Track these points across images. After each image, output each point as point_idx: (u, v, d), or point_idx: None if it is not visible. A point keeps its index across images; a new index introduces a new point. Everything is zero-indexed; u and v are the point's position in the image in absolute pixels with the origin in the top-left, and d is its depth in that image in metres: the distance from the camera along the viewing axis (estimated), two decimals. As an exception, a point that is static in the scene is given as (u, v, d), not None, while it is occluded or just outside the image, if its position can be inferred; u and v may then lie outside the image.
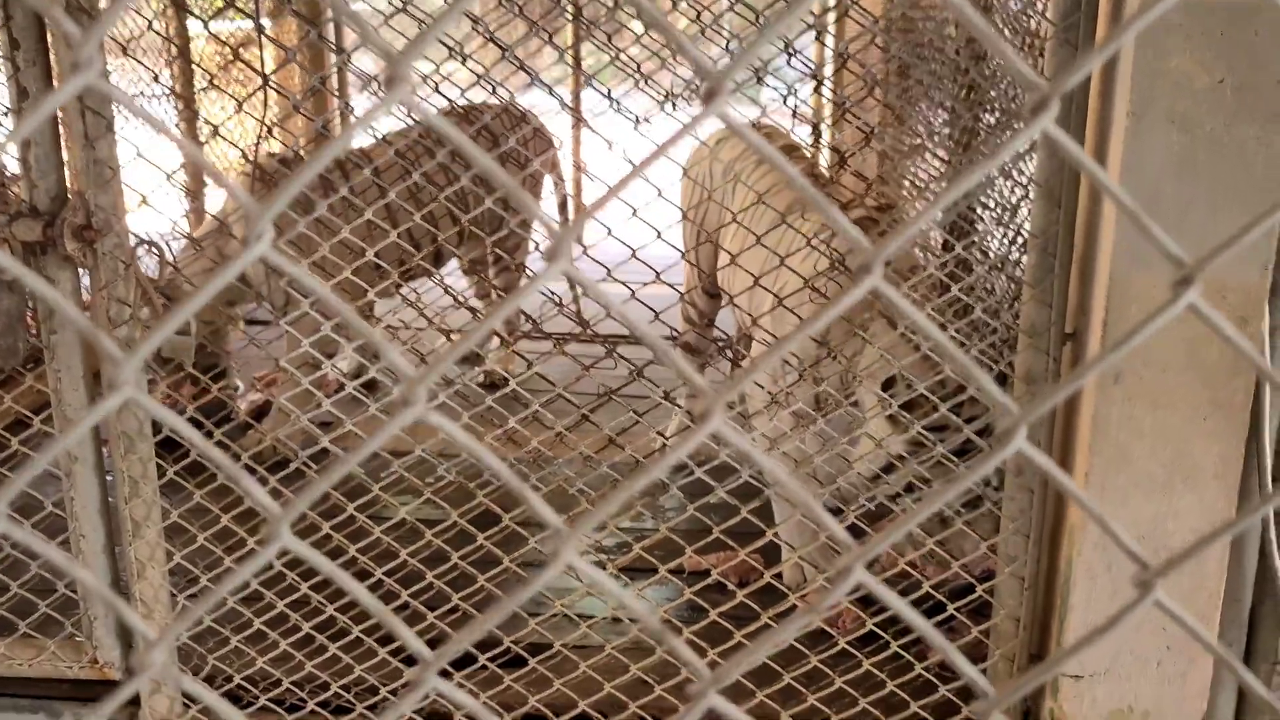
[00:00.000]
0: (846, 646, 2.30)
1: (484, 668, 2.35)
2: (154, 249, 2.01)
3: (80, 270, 2.18)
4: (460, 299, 2.19)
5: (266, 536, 0.64)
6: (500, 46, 2.11)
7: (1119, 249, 1.99)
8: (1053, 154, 2.02)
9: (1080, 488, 2.12)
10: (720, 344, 3.51)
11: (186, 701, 2.41)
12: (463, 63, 2.13)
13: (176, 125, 4.35)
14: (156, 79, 2.98)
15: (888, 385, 2.36)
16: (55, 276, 2.15)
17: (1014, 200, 2.23)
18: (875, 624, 2.29)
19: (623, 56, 2.14)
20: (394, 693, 2.39)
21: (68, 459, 2.26)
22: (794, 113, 2.16)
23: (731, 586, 2.38)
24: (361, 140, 3.86)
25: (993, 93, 2.56)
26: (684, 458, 3.01)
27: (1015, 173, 2.24)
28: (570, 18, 5.06)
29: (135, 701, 2.41)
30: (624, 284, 2.04)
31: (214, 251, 3.14)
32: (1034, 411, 0.60)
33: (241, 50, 3.84)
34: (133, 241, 2.12)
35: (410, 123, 3.06)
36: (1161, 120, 1.92)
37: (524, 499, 0.63)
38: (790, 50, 2.00)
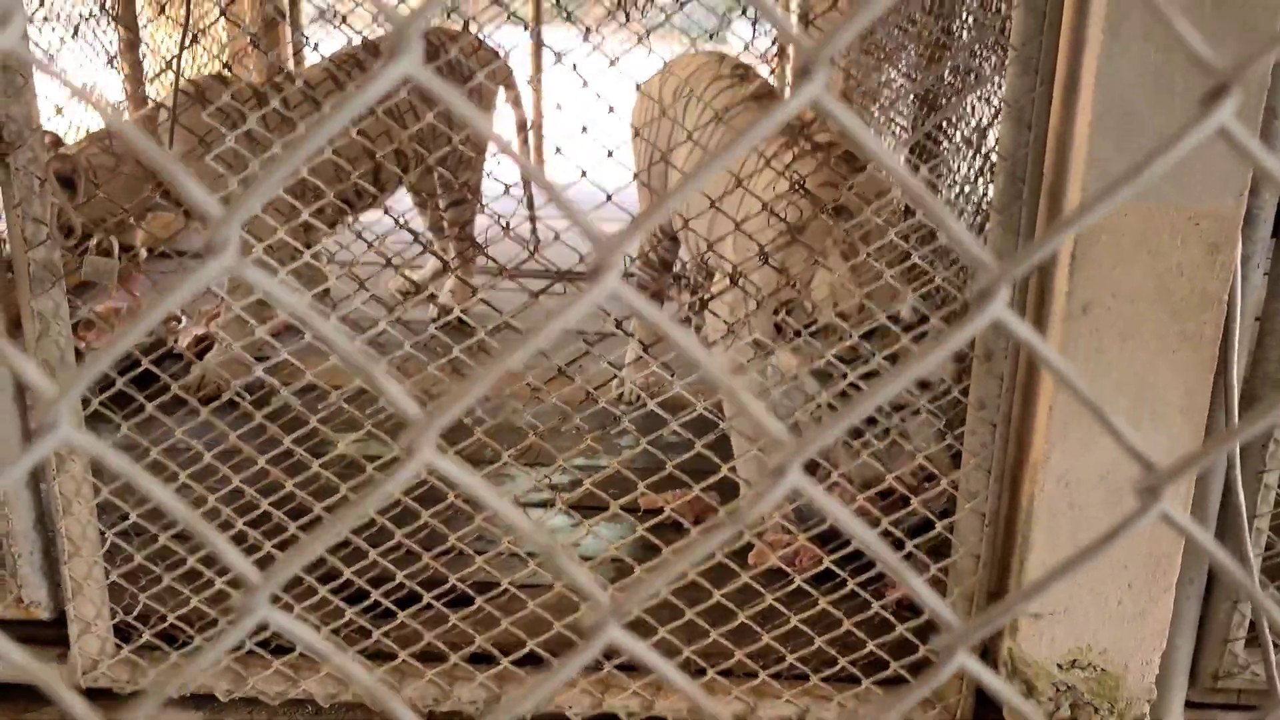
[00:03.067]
0: (803, 585, 2.24)
1: (429, 606, 2.27)
2: (71, 161, 1.87)
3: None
4: (402, 223, 2.07)
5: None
6: None
7: (1090, 174, 1.90)
8: (1023, 73, 1.93)
9: (1044, 423, 2.06)
10: (676, 276, 3.41)
11: (118, 643, 2.31)
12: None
13: (117, 52, 4.16)
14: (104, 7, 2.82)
15: (787, 312, 2.29)
16: (-34, 193, 2.01)
17: (983, 122, 2.14)
18: (832, 562, 2.23)
19: None
20: (335, 632, 2.31)
21: (-15, 389, 2.13)
22: (753, 24, 2.05)
23: (687, 524, 2.31)
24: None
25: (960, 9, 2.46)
26: (636, 389, 2.91)
27: (985, 93, 2.15)
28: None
29: (65, 642, 2.32)
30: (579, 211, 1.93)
31: (120, 145, 2.93)
32: (1014, 268, 0.51)
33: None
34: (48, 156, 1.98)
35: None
36: (1138, 37, 1.83)
37: (378, 385, 0.54)
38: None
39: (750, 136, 0.49)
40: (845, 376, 2.06)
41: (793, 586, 2.24)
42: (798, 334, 2.19)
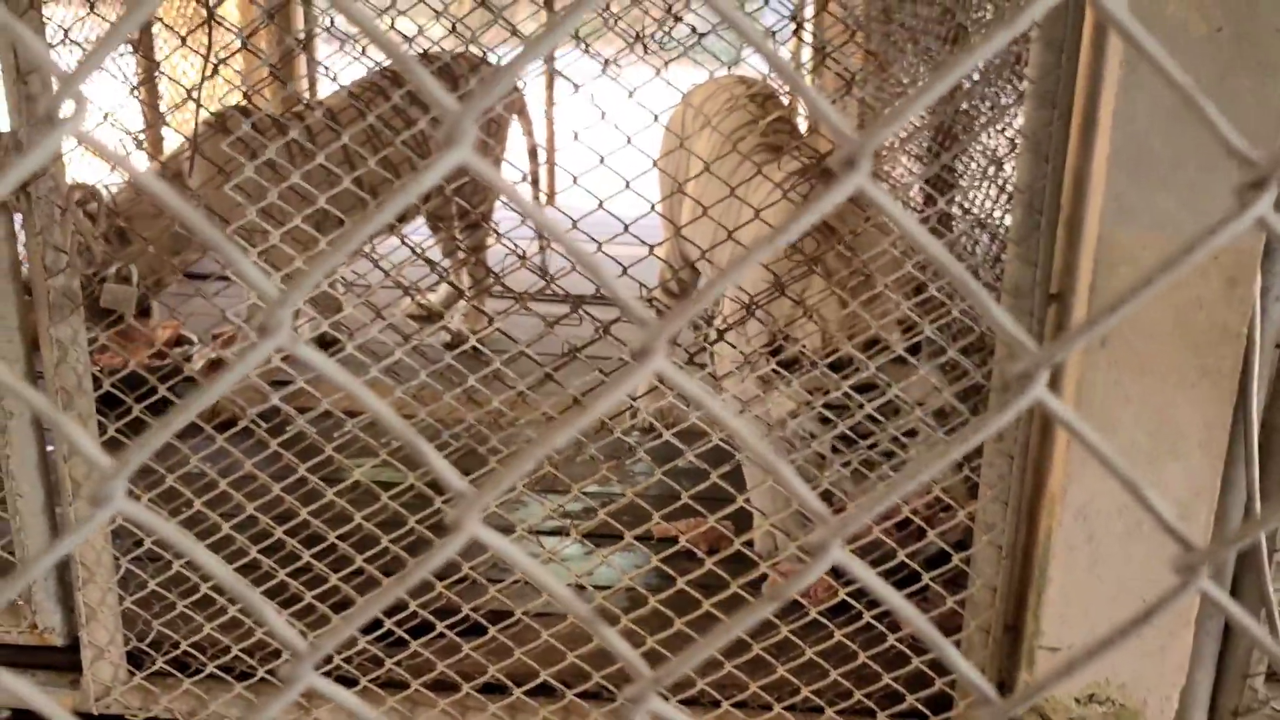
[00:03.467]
0: (818, 617, 2.23)
1: (442, 635, 2.27)
2: (89, 192, 1.88)
3: (14, 215, 2.06)
4: (419, 251, 2.08)
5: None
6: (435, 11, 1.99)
7: (1108, 207, 1.90)
8: (1041, 106, 1.93)
9: (1063, 455, 2.05)
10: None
11: (131, 669, 2.31)
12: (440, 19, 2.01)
13: (136, 79, 4.18)
14: (93, 9, 2.83)
15: (776, 352, 2.29)
16: (-13, 221, 2.03)
17: (999, 154, 2.14)
18: (847, 594, 2.22)
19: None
20: (348, 660, 2.30)
21: (3, 414, 2.14)
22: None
23: (700, 554, 2.30)
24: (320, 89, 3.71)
25: (976, 37, 2.46)
26: (650, 418, 2.92)
27: (1002, 125, 2.15)
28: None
29: (79, 668, 2.31)
30: (594, 239, 1.94)
31: (142, 211, 2.99)
32: (1056, 353, 0.51)
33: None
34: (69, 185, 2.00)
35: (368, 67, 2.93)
36: (1155, 72, 1.82)
37: (426, 459, 0.54)
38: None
39: (799, 224, 0.49)
40: (845, 416, 2.06)
41: (808, 618, 2.23)
42: (790, 369, 2.19)
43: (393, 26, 2.01)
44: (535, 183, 3.99)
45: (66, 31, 1.95)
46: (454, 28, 1.98)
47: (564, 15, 0.49)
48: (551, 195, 4.97)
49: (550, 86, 5.25)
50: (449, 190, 2.40)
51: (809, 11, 3.73)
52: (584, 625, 0.56)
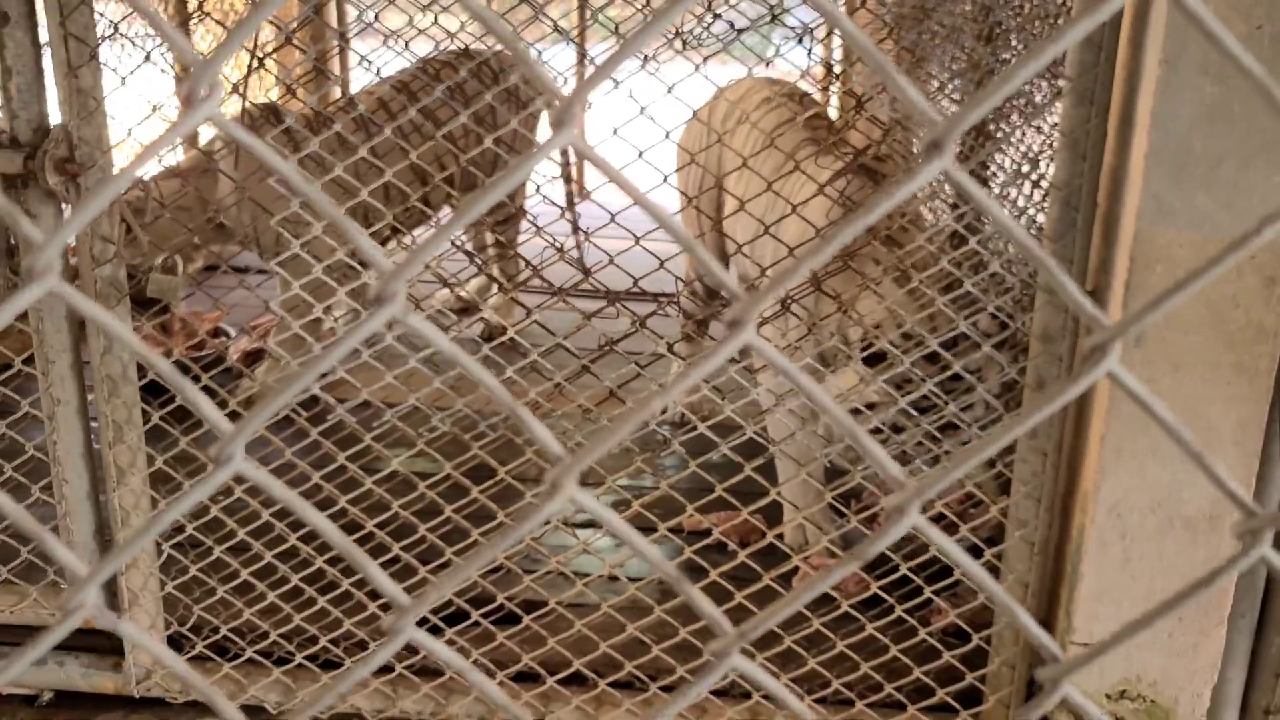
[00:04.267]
0: (849, 609, 2.24)
1: (476, 624, 2.30)
2: (139, 182, 1.92)
3: (63, 205, 2.10)
4: (459, 244, 2.10)
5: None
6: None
7: (1145, 205, 1.90)
8: (1079, 104, 1.93)
9: (1096, 451, 2.05)
10: (722, 302, 3.42)
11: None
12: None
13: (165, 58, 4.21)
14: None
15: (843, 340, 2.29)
16: (37, 211, 2.07)
17: (1035, 151, 2.15)
18: (879, 588, 2.23)
19: None
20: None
21: (51, 402, 2.18)
22: (808, 52, 2.06)
23: (733, 546, 2.32)
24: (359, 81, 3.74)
25: (1015, 40, 2.47)
26: (683, 410, 2.93)
27: (1039, 122, 2.15)
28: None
29: (120, 652, 2.36)
30: (633, 234, 1.96)
31: (185, 200, 3.03)
32: (1130, 324, 0.52)
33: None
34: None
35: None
36: (1194, 70, 1.83)
37: (526, 425, 0.56)
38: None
39: (876, 210, 0.51)
40: (903, 397, 2.07)
41: (839, 611, 2.24)
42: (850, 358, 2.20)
43: (435, 22, 2.03)
44: (568, 178, 4.02)
45: (116, 25, 1.98)
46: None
47: (660, 14, 0.51)
48: (581, 187, 4.98)
49: (581, 79, 5.24)
50: (489, 183, 2.41)
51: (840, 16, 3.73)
52: (673, 585, 0.59)
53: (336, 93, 4.44)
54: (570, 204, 3.97)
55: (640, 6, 1.94)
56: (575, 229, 2.97)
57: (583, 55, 4.30)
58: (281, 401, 0.55)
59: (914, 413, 2.11)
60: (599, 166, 0.55)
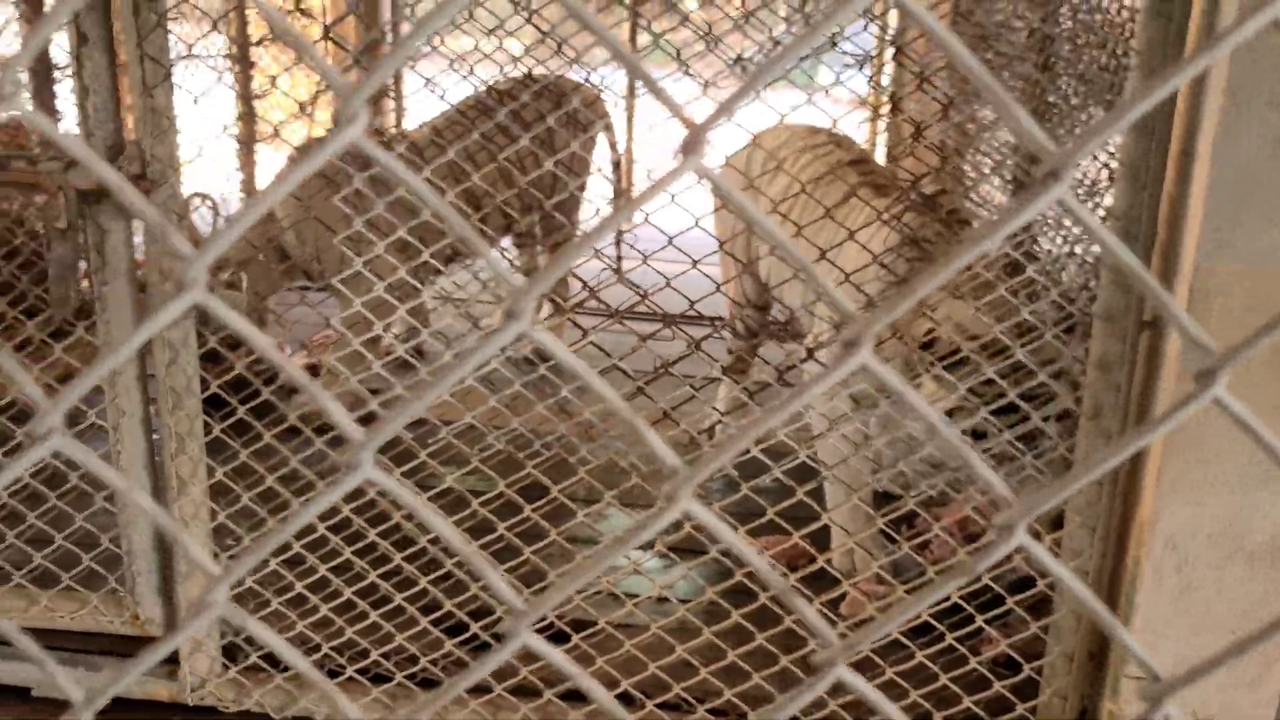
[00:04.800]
0: (899, 636, 2.24)
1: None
2: (208, 201, 1.97)
3: (133, 221, 2.15)
4: (518, 266, 2.13)
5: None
6: (541, 31, 2.05)
7: (1205, 237, 1.90)
8: (1140, 135, 1.93)
9: (1153, 483, 2.04)
10: (776, 325, 3.43)
11: (226, 663, 2.38)
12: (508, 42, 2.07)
13: (231, 76, 4.30)
14: (215, 27, 2.96)
15: (928, 346, 2.28)
16: (108, 226, 2.12)
17: (1095, 179, 2.15)
18: (930, 615, 2.22)
19: (669, 38, 2.08)
20: (434, 663, 2.35)
21: (116, 412, 2.23)
22: (869, 80, 2.08)
23: (782, 570, 2.32)
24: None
25: (1064, 80, 2.47)
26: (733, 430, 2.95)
27: (1099, 151, 2.15)
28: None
29: (175, 660, 2.39)
30: (690, 257, 1.98)
31: (260, 229, 3.10)
32: (1242, 351, 0.53)
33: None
34: (186, 193, 2.09)
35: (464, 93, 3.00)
36: (1261, 103, 1.83)
37: (641, 435, 0.58)
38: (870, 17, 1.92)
39: (993, 237, 0.53)
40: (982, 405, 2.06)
41: (889, 638, 2.23)
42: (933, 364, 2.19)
43: (500, 47, 2.07)
44: (619, 195, 4.06)
45: (190, 47, 2.04)
46: (560, 48, 2.04)
47: (790, 48, 0.53)
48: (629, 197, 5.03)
49: (631, 110, 5.31)
50: (549, 206, 2.46)
51: (887, 49, 3.75)
52: (779, 594, 0.60)
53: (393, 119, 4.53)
54: (618, 195, 4.03)
55: (701, 35, 1.96)
56: (618, 241, 3.01)
57: (633, 82, 4.34)
58: (412, 412, 0.57)
59: (994, 421, 2.10)
60: (722, 194, 0.57)
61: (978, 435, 2.27)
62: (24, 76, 3.09)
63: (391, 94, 4.88)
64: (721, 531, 0.58)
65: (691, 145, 0.53)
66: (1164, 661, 2.10)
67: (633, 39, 5.67)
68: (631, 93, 4.99)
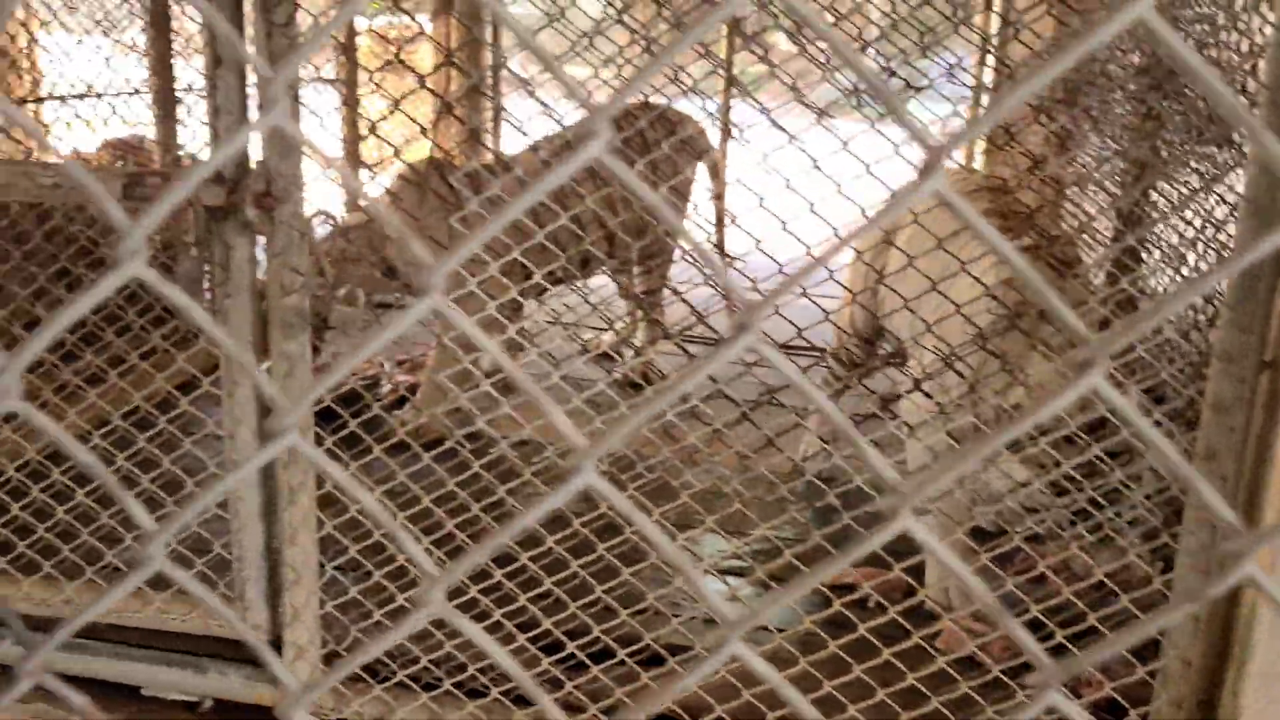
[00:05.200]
0: (999, 674, 2.20)
1: (622, 663, 2.32)
2: (330, 218, 2.03)
3: (257, 237, 2.23)
4: (623, 292, 2.16)
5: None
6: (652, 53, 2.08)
7: (1331, 276, 1.86)
8: (1265, 170, 1.90)
9: (1268, 539, 1.98)
10: (885, 355, 3.42)
11: (326, 671, 2.43)
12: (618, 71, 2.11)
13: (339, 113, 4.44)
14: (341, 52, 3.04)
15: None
16: (233, 242, 2.20)
17: (1218, 216, 2.11)
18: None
19: (777, 70, 2.10)
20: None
21: (232, 421, 2.30)
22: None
23: (882, 602, 2.30)
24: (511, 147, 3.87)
25: (1167, 132, 2.42)
26: (846, 468, 2.93)
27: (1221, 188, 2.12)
28: (726, 31, 5.00)
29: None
30: (805, 289, 1.98)
31: (363, 241, 3.18)
32: None
33: (404, 46, 3.91)
34: (308, 211, 2.15)
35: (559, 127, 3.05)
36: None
37: (861, 452, 0.59)
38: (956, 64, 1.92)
39: (1184, 296, 0.53)
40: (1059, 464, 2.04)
41: (989, 676, 2.20)
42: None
43: (619, 75, 2.11)
44: (721, 224, 4.09)
45: (319, 69, 2.10)
46: (675, 75, 2.07)
47: (1022, 81, 0.54)
48: (722, 230, 5.08)
49: (725, 135, 5.33)
50: (648, 239, 2.50)
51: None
52: (994, 617, 0.60)
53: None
54: (720, 223, 4.06)
55: (820, 63, 1.98)
56: (722, 250, 3.03)
57: (726, 115, 4.37)
58: (646, 417, 0.59)
59: (1079, 478, 2.08)
60: (959, 212, 0.58)
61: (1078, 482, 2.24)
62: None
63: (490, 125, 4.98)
64: (936, 548, 0.59)
65: (930, 168, 0.54)
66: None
67: (728, 85, 5.71)
68: (725, 133, 5.03)
